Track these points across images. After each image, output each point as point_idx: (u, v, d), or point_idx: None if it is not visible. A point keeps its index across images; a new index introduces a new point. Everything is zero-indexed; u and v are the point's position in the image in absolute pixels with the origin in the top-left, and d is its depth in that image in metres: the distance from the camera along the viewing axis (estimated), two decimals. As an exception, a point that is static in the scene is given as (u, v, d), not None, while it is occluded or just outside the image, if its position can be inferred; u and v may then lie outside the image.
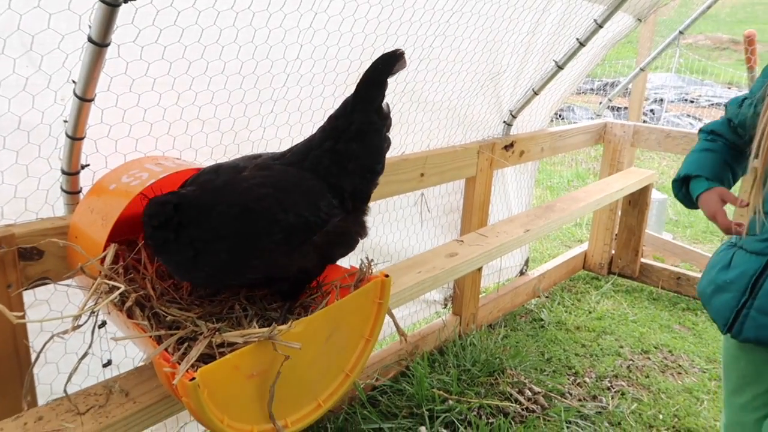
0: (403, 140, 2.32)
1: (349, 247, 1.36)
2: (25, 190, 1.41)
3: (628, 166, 3.66)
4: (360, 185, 1.31)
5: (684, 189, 1.66)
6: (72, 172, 1.44)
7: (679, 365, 2.84)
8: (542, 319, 3.17)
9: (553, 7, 2.45)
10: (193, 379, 1.05)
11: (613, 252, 3.72)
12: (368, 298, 1.37)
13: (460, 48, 2.23)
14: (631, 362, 2.84)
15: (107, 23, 1.16)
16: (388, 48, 1.89)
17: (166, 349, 1.15)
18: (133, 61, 1.35)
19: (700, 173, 1.62)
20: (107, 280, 1.23)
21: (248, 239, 1.20)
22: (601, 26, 2.51)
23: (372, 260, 1.41)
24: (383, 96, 1.26)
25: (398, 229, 2.53)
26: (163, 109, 1.51)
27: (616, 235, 3.67)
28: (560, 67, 2.64)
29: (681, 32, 3.29)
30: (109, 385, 1.32)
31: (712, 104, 8.87)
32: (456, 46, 2.20)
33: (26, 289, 1.40)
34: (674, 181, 1.69)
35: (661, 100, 9.00)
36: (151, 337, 1.18)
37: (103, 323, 1.51)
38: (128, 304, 1.20)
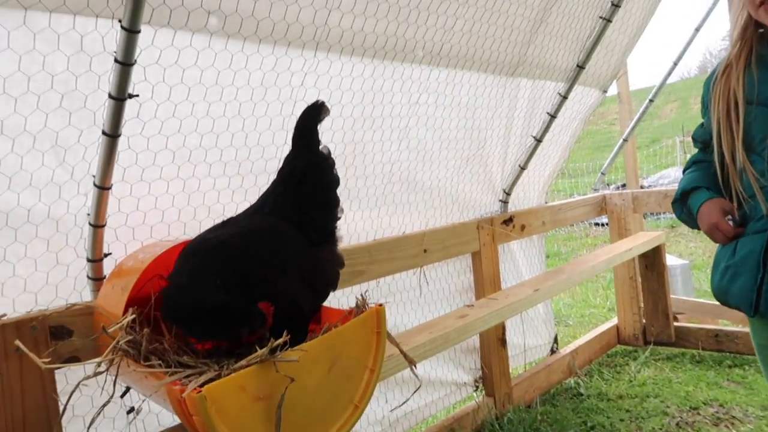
0: (401, 221, 2.49)
1: (329, 276, 1.47)
2: (56, 277, 1.59)
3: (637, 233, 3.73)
4: (318, 220, 1.46)
5: (685, 209, 1.67)
6: (96, 259, 1.62)
7: (732, 416, 2.69)
8: (581, 393, 3.07)
9: (523, 89, 2.74)
10: (200, 391, 1.13)
11: (644, 321, 3.66)
12: (366, 327, 1.46)
13: (443, 131, 2.48)
14: (680, 419, 2.70)
15: (117, 116, 1.40)
16: (375, 134, 2.17)
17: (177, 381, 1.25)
18: (142, 152, 1.59)
19: (698, 184, 1.63)
20: (127, 336, 1.36)
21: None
22: (565, 97, 2.77)
23: (366, 293, 1.52)
24: (318, 141, 1.46)
25: (412, 308, 2.61)
26: (172, 197, 1.72)
27: (642, 304, 3.65)
28: (539, 141, 2.86)
29: (651, 100, 3.54)
30: (132, 445, 1.39)
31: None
32: (438, 130, 2.45)
33: (58, 368, 1.52)
34: (674, 203, 1.71)
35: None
36: (164, 374, 1.28)
37: (127, 389, 1.60)
38: (143, 346, 1.31)
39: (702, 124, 1.73)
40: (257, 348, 1.34)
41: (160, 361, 1.32)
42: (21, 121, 1.37)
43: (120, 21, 1.31)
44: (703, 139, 1.71)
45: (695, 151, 1.79)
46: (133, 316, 1.34)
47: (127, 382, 1.58)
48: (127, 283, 1.49)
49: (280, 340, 1.24)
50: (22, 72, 1.32)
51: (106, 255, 1.65)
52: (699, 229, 1.63)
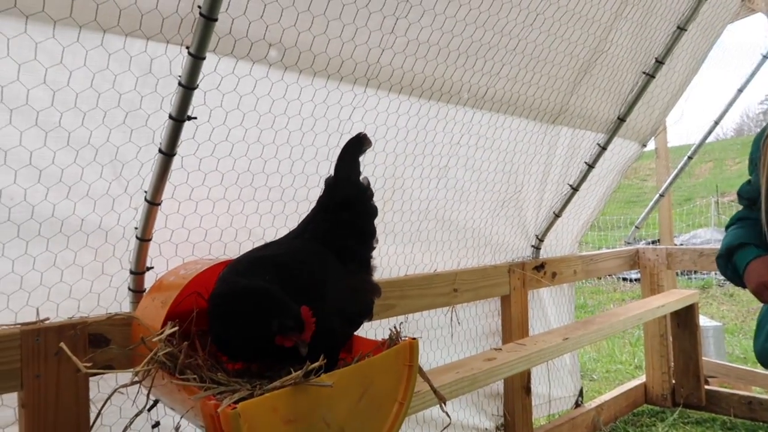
0: (433, 258, 2.50)
1: (364, 305, 1.49)
2: (99, 287, 1.64)
3: (670, 290, 3.67)
4: (356, 247, 1.49)
5: (730, 266, 1.65)
6: (139, 271, 1.67)
7: (764, 488, 2.59)
8: (605, 451, 2.99)
9: (563, 137, 2.77)
10: (235, 408, 1.15)
11: (673, 381, 3.57)
12: (398, 360, 1.47)
13: (481, 173, 2.51)
14: (707, 486, 2.61)
15: (174, 136, 1.47)
16: (415, 171, 2.21)
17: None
18: (193, 172, 1.65)
19: (745, 240, 1.61)
20: (165, 347, 1.39)
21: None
22: (604, 148, 2.78)
23: (401, 325, 1.53)
24: (359, 172, 1.51)
25: (439, 347, 2.60)
26: (216, 217, 1.77)
27: (672, 364, 3.56)
28: (575, 189, 2.87)
29: (690, 157, 3.53)
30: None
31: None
32: (477, 171, 2.48)
33: (96, 373, 1.56)
34: (718, 258, 1.69)
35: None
36: (197, 389, 1.30)
37: (156, 402, 1.62)
38: (180, 359, 1.34)
39: (749, 181, 1.73)
40: (291, 371, 1.36)
41: (195, 376, 1.34)
42: (86, 134, 1.44)
43: (188, 47, 1.39)
44: (749, 196, 1.70)
45: (732, 211, 1.78)
46: (174, 329, 1.37)
47: (156, 396, 1.61)
48: (167, 297, 1.53)
49: (316, 364, 1.26)
50: (93, 89, 1.40)
51: (148, 268, 1.70)
52: (744, 287, 1.60)
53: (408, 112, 2.05)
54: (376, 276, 2.29)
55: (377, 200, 2.16)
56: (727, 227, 1.77)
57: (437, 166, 2.27)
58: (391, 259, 2.33)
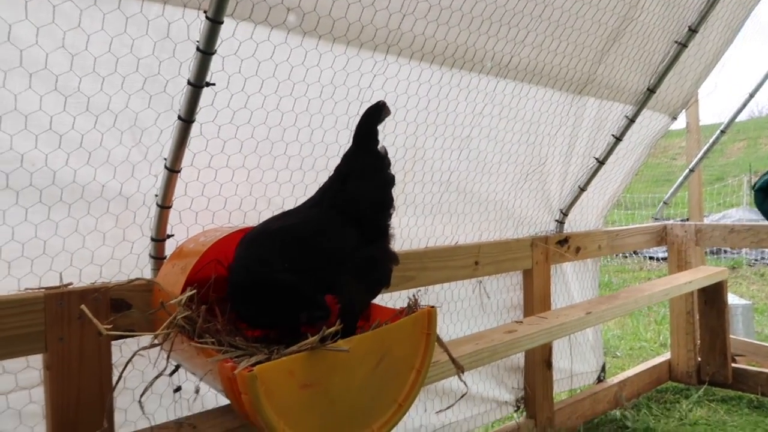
0: (455, 230, 2.48)
1: (382, 273, 1.48)
2: (121, 253, 1.65)
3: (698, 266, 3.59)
4: (373, 217, 1.47)
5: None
6: (159, 238, 1.68)
7: (791, 467, 2.54)
8: (627, 426, 2.97)
9: (589, 109, 2.70)
10: (252, 371, 1.16)
11: (699, 359, 3.51)
12: (417, 327, 1.46)
13: (504, 144, 2.46)
14: (732, 464, 2.57)
15: (193, 103, 1.46)
16: (437, 141, 2.18)
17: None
18: (212, 139, 1.65)
19: None
20: (184, 311, 1.40)
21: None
22: (632, 121, 2.71)
23: (418, 294, 1.52)
24: (377, 141, 1.49)
25: (459, 320, 2.58)
26: (236, 186, 1.77)
27: (699, 341, 3.50)
28: (601, 163, 2.81)
29: (722, 131, 3.42)
30: (180, 421, 1.43)
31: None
32: (500, 142, 2.43)
33: (118, 336, 1.58)
34: (758, 191, 1.66)
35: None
36: (216, 352, 1.31)
37: (177, 367, 1.64)
38: (199, 323, 1.35)
39: None
40: (308, 336, 1.36)
41: (213, 340, 1.35)
42: (106, 100, 1.44)
43: (205, 12, 1.37)
44: None
45: None
46: (192, 292, 1.38)
47: (178, 360, 1.63)
48: (186, 264, 1.54)
49: (332, 329, 1.25)
50: (111, 53, 1.40)
51: (169, 236, 1.71)
52: None
53: (429, 81, 2.01)
54: (396, 247, 2.28)
55: (398, 170, 2.15)
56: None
57: (459, 136, 2.23)
58: (411, 230, 2.31)
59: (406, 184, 2.20)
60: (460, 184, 2.38)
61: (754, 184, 1.75)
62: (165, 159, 1.54)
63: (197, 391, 1.74)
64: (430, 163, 2.22)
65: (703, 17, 2.64)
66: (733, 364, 3.41)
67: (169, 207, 1.63)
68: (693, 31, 2.65)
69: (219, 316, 1.58)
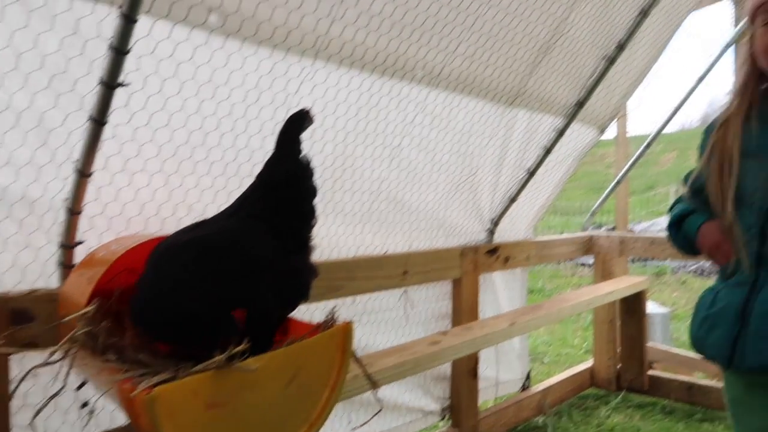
0: (384, 240, 2.46)
1: (301, 286, 1.44)
2: (24, 260, 1.55)
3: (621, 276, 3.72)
4: (294, 228, 1.44)
5: (681, 233, 1.66)
6: (68, 245, 1.59)
7: (698, 472, 2.66)
8: (549, 433, 3.04)
9: (520, 121, 2.74)
10: (151, 392, 1.10)
11: (619, 366, 3.64)
12: (332, 343, 1.43)
13: (435, 154, 2.46)
14: (644, 469, 2.67)
15: (105, 103, 1.38)
16: (367, 149, 2.15)
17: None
18: (127, 142, 1.57)
19: (694, 209, 1.63)
20: (85, 327, 1.33)
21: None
22: (562, 133, 2.77)
23: (336, 309, 1.49)
24: (300, 149, 1.45)
25: (387, 330, 2.57)
26: (153, 191, 1.70)
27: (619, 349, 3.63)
28: (531, 174, 2.86)
29: (647, 145, 3.56)
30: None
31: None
32: (431, 152, 2.43)
33: (12, 353, 1.48)
34: (670, 227, 1.70)
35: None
36: (119, 370, 1.24)
37: (83, 383, 1.56)
38: (101, 339, 1.28)
39: (696, 170, 1.72)
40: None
41: (116, 357, 1.28)
42: (5, 97, 1.35)
43: (120, 7, 1.30)
44: (696, 185, 1.70)
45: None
46: (93, 307, 1.31)
47: (84, 376, 1.54)
48: (95, 273, 1.46)
49: (240, 348, 1.21)
50: (12, 48, 1.30)
51: (79, 243, 1.61)
52: (696, 253, 1.62)
53: (359, 88, 1.98)
54: (324, 256, 2.26)
55: (326, 178, 2.11)
56: (670, 209, 1.78)
57: (390, 145, 2.22)
58: (340, 239, 2.28)
59: (335, 192, 2.17)
60: (390, 193, 2.37)
61: (669, 212, 1.80)
62: (75, 162, 1.46)
63: (92, 411, 1.66)
64: (359, 172, 2.20)
65: (630, 34, 2.72)
66: (650, 371, 3.56)
67: (79, 213, 1.54)
68: (621, 47, 2.74)
69: (129, 328, 1.50)
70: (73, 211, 1.53)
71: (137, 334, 1.49)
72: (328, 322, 1.46)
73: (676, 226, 1.68)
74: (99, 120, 1.39)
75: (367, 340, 2.50)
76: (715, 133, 1.59)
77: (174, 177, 1.72)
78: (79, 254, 1.60)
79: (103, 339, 1.29)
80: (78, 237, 1.60)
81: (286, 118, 1.49)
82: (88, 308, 1.31)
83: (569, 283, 8.38)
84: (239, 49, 1.63)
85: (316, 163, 1.95)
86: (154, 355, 1.43)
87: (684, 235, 1.65)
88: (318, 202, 1.54)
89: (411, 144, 2.30)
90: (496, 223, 2.96)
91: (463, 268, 2.72)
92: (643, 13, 2.66)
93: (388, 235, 2.48)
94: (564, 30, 2.49)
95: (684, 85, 3.85)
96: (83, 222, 1.59)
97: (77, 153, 1.45)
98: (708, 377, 3.61)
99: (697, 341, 1.58)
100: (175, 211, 1.78)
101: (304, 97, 1.85)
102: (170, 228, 1.78)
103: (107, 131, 1.46)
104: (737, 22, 3.44)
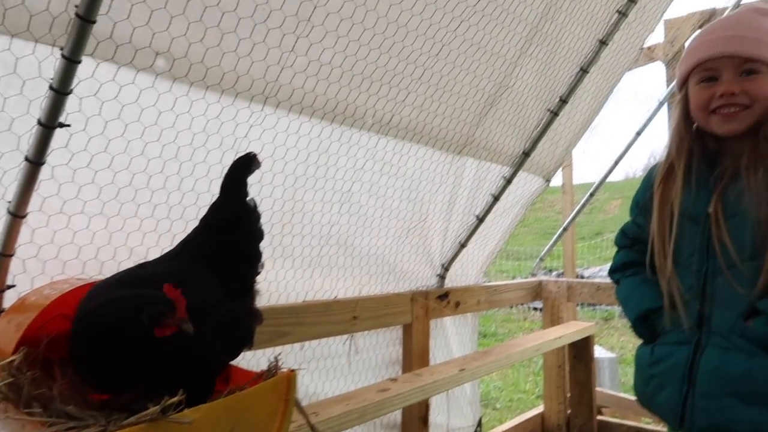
0: (334, 284, 2.44)
1: (245, 332, 1.41)
2: (-53, 306, 1.47)
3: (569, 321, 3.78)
4: (238, 272, 1.42)
5: (648, 330, 1.61)
6: (-3, 289, 1.52)
7: None
8: (500, 482, 3.00)
9: (468, 168, 2.80)
10: (76, 450, 1.04)
11: (569, 411, 3.65)
12: (274, 392, 1.39)
13: (386, 200, 2.48)
14: None
15: (43, 144, 1.35)
16: (317, 194, 2.15)
17: (56, 434, 1.14)
18: (66, 183, 1.52)
19: (661, 303, 1.56)
20: (7, 378, 1.25)
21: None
22: (509, 181, 2.84)
23: (280, 356, 1.46)
24: (246, 193, 1.44)
25: (335, 376, 2.53)
26: (92, 233, 1.64)
27: (569, 394, 3.65)
28: (481, 220, 2.91)
29: (591, 194, 3.68)
30: (-3, 501, 1.25)
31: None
32: (381, 198, 2.45)
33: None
34: (635, 325, 1.64)
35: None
36: (44, 424, 1.17)
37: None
38: (25, 390, 1.21)
39: (634, 222, 1.75)
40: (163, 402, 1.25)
41: (42, 409, 1.21)
42: (-66, 135, 1.30)
43: (61, 49, 1.29)
44: (635, 235, 1.73)
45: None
46: (20, 355, 1.24)
47: (6, 431, 1.45)
48: (25, 319, 1.39)
49: (175, 399, 1.16)
50: (-56, 85, 1.27)
51: (9, 286, 1.54)
52: None
53: (309, 134, 2.00)
54: (272, 300, 2.22)
55: (275, 222, 2.10)
56: (612, 271, 1.79)
57: (339, 190, 2.23)
58: (288, 284, 2.25)
59: (284, 236, 2.15)
60: (340, 237, 2.36)
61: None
62: (8, 202, 1.41)
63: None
64: (309, 216, 2.19)
65: (572, 89, 2.85)
66: (599, 417, 3.58)
67: (11, 255, 1.48)
68: (563, 101, 2.86)
69: (59, 378, 1.43)
70: (4, 253, 1.47)
71: (73, 383, 1.42)
72: (272, 371, 1.43)
73: (641, 321, 1.62)
74: (35, 161, 1.35)
75: (315, 387, 2.44)
76: (656, 190, 1.59)
77: (115, 219, 1.67)
78: (9, 299, 1.53)
79: (28, 390, 1.22)
80: (9, 280, 1.53)
81: (233, 161, 1.48)
82: (13, 357, 1.24)
83: (521, 327, 8.46)
84: (187, 93, 1.63)
85: (265, 207, 1.96)
86: (84, 406, 1.36)
87: (654, 332, 1.61)
88: (266, 245, 1.53)
89: (361, 189, 2.31)
90: (446, 268, 2.99)
91: (414, 313, 2.71)
92: (583, 70, 2.79)
93: (338, 279, 2.46)
94: (509, 83, 2.58)
95: (624, 137, 4.03)
96: (15, 265, 1.52)
97: (11, 194, 1.40)
98: (655, 423, 3.65)
99: (645, 398, 1.58)
100: (116, 254, 1.73)
101: (253, 141, 1.85)
102: (109, 271, 1.72)
103: (45, 172, 1.42)
104: (669, 81, 3.65)
